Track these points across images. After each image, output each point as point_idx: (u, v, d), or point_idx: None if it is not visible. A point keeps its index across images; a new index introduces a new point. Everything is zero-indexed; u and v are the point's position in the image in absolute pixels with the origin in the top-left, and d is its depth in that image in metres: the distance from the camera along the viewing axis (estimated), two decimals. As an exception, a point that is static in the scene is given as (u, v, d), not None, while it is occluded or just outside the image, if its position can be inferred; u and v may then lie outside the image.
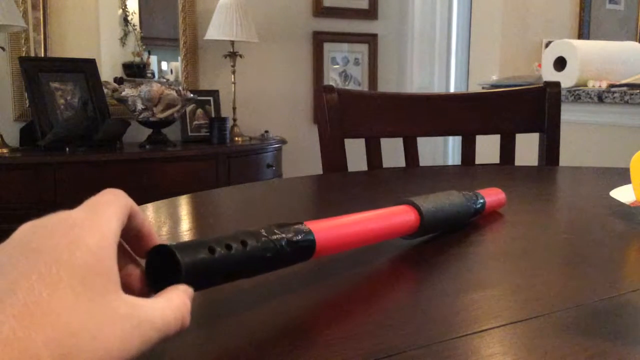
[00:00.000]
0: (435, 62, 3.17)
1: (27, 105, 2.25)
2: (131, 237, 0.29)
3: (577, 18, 2.59)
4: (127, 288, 0.26)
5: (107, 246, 0.23)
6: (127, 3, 2.45)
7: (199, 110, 2.50)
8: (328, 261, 0.43)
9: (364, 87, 2.96)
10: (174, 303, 0.25)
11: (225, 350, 0.29)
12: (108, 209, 0.25)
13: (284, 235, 0.33)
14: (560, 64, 1.91)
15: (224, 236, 0.31)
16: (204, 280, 0.29)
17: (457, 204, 0.50)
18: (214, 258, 0.29)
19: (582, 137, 1.79)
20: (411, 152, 1.07)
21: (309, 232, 0.36)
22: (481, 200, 0.54)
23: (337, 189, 0.83)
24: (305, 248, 0.35)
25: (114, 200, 0.26)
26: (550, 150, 1.11)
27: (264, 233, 0.33)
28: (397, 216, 0.45)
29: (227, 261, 0.30)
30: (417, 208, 0.46)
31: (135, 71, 2.48)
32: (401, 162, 1.09)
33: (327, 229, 0.38)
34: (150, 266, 0.29)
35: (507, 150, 1.11)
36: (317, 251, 0.36)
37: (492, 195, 0.58)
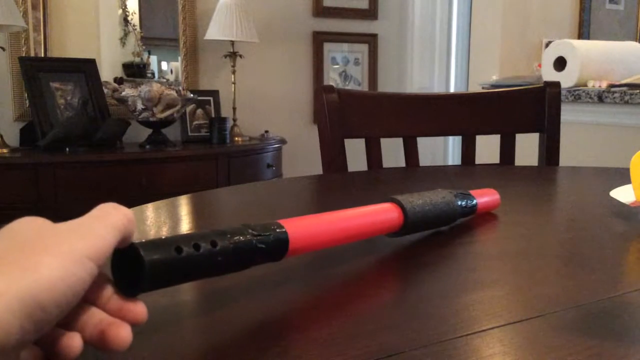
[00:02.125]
0: (435, 62, 3.17)
1: (27, 105, 2.25)
2: None
3: (577, 18, 2.59)
4: (93, 289, 0.27)
5: (47, 223, 0.26)
6: (127, 3, 2.45)
7: (199, 110, 2.50)
8: (327, 261, 0.43)
9: (364, 87, 2.96)
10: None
11: (224, 349, 0.29)
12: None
13: (254, 234, 0.33)
14: (560, 64, 1.91)
15: (192, 234, 0.31)
16: (169, 278, 0.29)
17: (444, 202, 0.50)
18: (179, 256, 0.29)
19: (582, 137, 1.79)
20: (411, 152, 1.07)
21: (282, 229, 0.35)
22: (472, 200, 0.54)
23: (337, 189, 0.83)
24: (278, 246, 0.35)
25: None
26: (550, 150, 1.11)
27: (233, 232, 0.32)
28: (379, 214, 0.45)
29: (193, 260, 0.30)
30: (400, 205, 0.46)
31: (135, 71, 2.48)
32: (401, 162, 1.09)
33: (302, 227, 0.37)
34: (115, 265, 0.29)
35: (507, 150, 1.11)
36: (291, 249, 0.36)
37: (485, 196, 0.58)
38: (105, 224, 0.26)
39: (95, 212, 0.27)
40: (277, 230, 0.35)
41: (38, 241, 0.24)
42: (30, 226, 0.25)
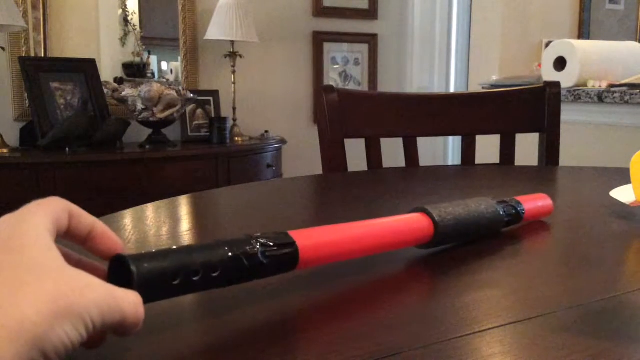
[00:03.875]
0: (435, 62, 3.17)
1: (27, 105, 2.25)
2: (87, 240, 0.29)
3: (577, 18, 2.59)
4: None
5: (33, 242, 0.25)
6: (127, 3, 2.45)
7: (199, 110, 2.50)
8: (327, 263, 0.43)
9: (364, 87, 2.96)
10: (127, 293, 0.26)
11: (224, 349, 0.29)
12: (31, 215, 0.26)
13: (262, 250, 0.32)
14: (560, 64, 1.91)
15: (195, 246, 0.30)
16: (171, 292, 0.29)
17: (482, 212, 0.47)
18: (173, 268, 0.28)
19: (582, 137, 1.79)
20: (411, 152, 1.07)
21: (293, 247, 0.34)
22: (519, 208, 0.51)
23: (337, 189, 0.83)
24: (286, 261, 0.34)
25: (40, 207, 0.27)
26: (550, 150, 1.11)
27: (239, 244, 0.32)
28: (399, 226, 0.43)
29: (188, 275, 0.29)
30: (430, 216, 0.44)
31: (135, 71, 2.48)
32: (401, 162, 1.09)
33: (313, 240, 0.36)
34: (112, 275, 0.28)
35: (507, 150, 1.11)
36: (301, 263, 0.35)
37: (533, 202, 0.54)
38: (115, 300, 0.25)
39: (116, 289, 0.25)
40: (286, 242, 0.34)
41: (45, 273, 0.23)
42: (29, 239, 0.25)
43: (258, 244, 0.32)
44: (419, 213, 0.45)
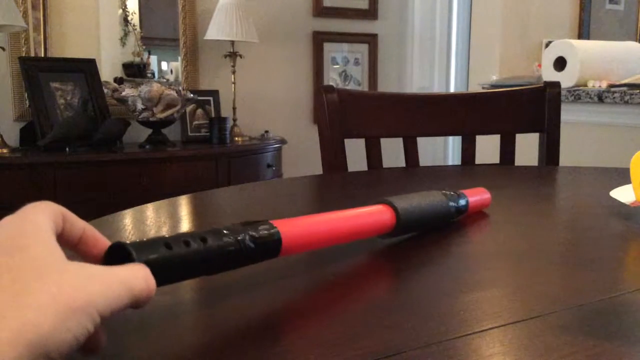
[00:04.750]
0: (435, 62, 3.17)
1: (27, 105, 2.25)
2: (78, 243, 0.29)
3: (577, 18, 2.59)
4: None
5: (37, 240, 0.25)
6: (127, 3, 2.45)
7: (199, 110, 2.50)
8: (327, 262, 0.43)
9: (364, 87, 2.95)
10: (130, 268, 0.27)
11: (224, 349, 0.29)
12: (32, 214, 0.26)
13: (247, 233, 0.34)
14: (560, 64, 1.91)
15: (183, 233, 0.31)
16: (161, 277, 0.29)
17: (436, 203, 0.51)
18: (170, 255, 0.29)
19: (582, 137, 1.79)
20: (411, 152, 1.07)
21: (274, 229, 0.36)
22: (463, 200, 0.55)
23: (337, 189, 0.83)
24: (270, 245, 0.35)
25: (38, 207, 0.27)
26: (550, 150, 1.11)
27: (225, 231, 0.33)
28: (371, 215, 0.46)
29: (183, 258, 0.30)
30: (392, 207, 0.47)
31: (135, 71, 2.48)
32: (401, 162, 1.09)
33: (294, 226, 0.38)
34: (107, 264, 0.29)
35: (507, 150, 1.11)
36: (284, 248, 0.36)
37: (475, 195, 0.58)
38: (122, 284, 0.25)
39: (121, 270, 0.26)
40: (269, 229, 0.35)
41: (47, 273, 0.23)
42: (33, 241, 0.24)
43: (243, 230, 0.34)
44: (381, 204, 0.47)
